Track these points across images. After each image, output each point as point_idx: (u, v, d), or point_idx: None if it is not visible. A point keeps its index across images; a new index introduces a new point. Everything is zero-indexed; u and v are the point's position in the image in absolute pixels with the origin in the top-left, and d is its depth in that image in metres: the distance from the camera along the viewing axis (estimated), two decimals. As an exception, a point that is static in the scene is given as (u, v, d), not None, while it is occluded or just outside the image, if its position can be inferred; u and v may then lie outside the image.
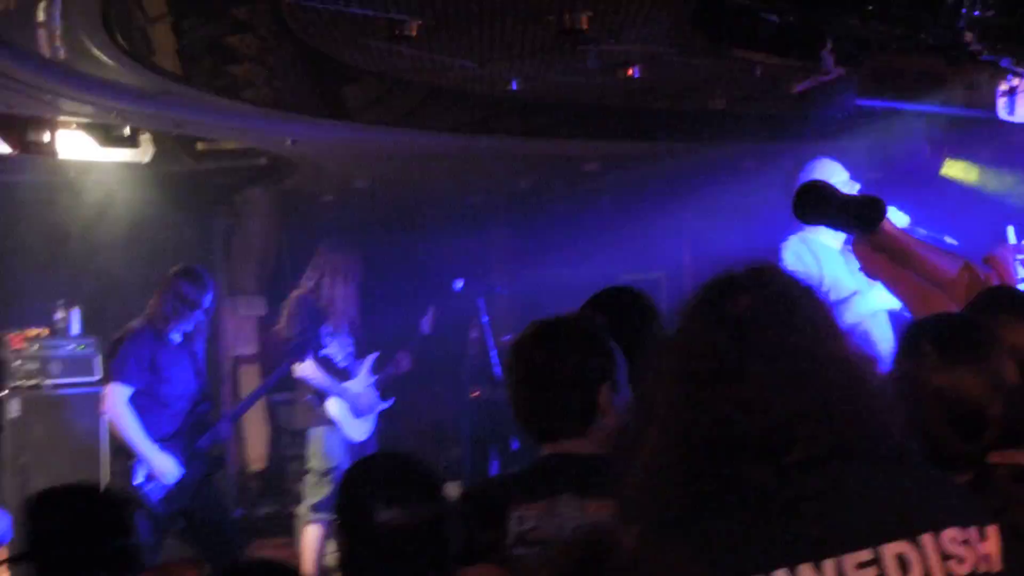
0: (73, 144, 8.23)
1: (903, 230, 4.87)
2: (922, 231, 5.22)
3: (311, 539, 8.36)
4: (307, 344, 8.50)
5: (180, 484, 7.19)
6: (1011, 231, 4.76)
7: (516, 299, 12.44)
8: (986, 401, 2.70)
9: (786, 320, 2.08)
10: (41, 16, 5.73)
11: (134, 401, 7.14)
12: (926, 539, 2.01)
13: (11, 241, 9.54)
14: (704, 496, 2.02)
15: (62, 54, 6.24)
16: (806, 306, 2.13)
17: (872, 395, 2.11)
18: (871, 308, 5.75)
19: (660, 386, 2.14)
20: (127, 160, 8.62)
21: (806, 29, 5.68)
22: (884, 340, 5.69)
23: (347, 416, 8.66)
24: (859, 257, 5.04)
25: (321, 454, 8.65)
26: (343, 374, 8.78)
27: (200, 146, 9.38)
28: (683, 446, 2.06)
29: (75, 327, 9.29)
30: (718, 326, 2.09)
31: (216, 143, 9.44)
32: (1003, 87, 5.23)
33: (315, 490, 8.44)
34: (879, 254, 4.93)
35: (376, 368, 8.99)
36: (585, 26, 5.94)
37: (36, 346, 8.97)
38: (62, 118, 8.05)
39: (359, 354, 8.95)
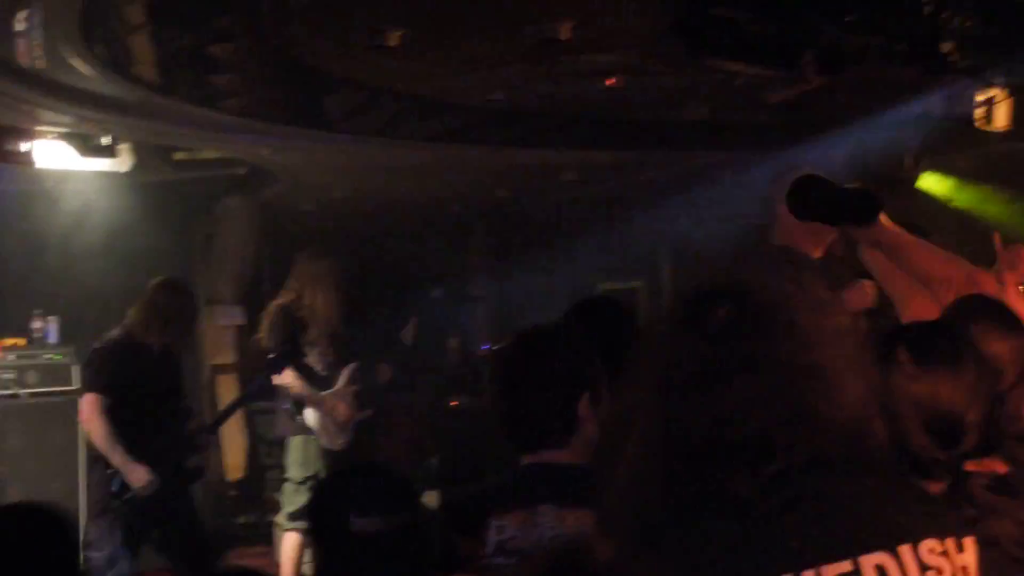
0: (51, 154, 8.21)
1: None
2: None
3: (289, 548, 8.36)
4: (287, 357, 8.51)
5: (156, 494, 7.16)
6: (997, 238, 4.77)
7: (495, 308, 12.47)
8: (963, 409, 2.71)
9: (764, 330, 2.09)
10: (20, 26, 5.71)
11: (112, 411, 7.12)
12: (905, 550, 2.01)
13: (-11, 250, 9.52)
14: (683, 507, 2.03)
15: (41, 64, 6.22)
16: (784, 315, 2.13)
17: (851, 404, 2.11)
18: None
19: (639, 397, 2.14)
20: (105, 170, 8.60)
21: (786, 39, 5.69)
22: None
23: (325, 425, 8.66)
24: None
25: (299, 463, 8.66)
26: (323, 383, 8.78)
27: (179, 156, 9.36)
28: (662, 457, 2.06)
29: (53, 336, 9.27)
30: (696, 336, 2.10)
31: (195, 153, 9.43)
32: (980, 96, 5.25)
33: (293, 499, 8.44)
34: (872, 250, 4.95)
35: (355, 378, 8.98)
36: (565, 36, 5.94)
37: (13, 355, 8.94)
38: (40, 128, 8.02)
39: (339, 364, 8.94)
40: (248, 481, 11.14)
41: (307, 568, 8.03)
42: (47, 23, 5.65)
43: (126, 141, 8.48)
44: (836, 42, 5.60)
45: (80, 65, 6.14)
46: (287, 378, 8.52)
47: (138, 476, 7.09)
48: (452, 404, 11.35)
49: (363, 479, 3.38)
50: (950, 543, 2.06)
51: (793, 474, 2.02)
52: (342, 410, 8.74)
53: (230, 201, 11.00)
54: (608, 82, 6.98)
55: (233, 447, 11.10)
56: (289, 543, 8.39)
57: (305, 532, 8.29)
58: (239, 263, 11.27)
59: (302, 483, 8.51)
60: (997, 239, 4.29)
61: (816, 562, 1.97)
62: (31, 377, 8.89)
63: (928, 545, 2.03)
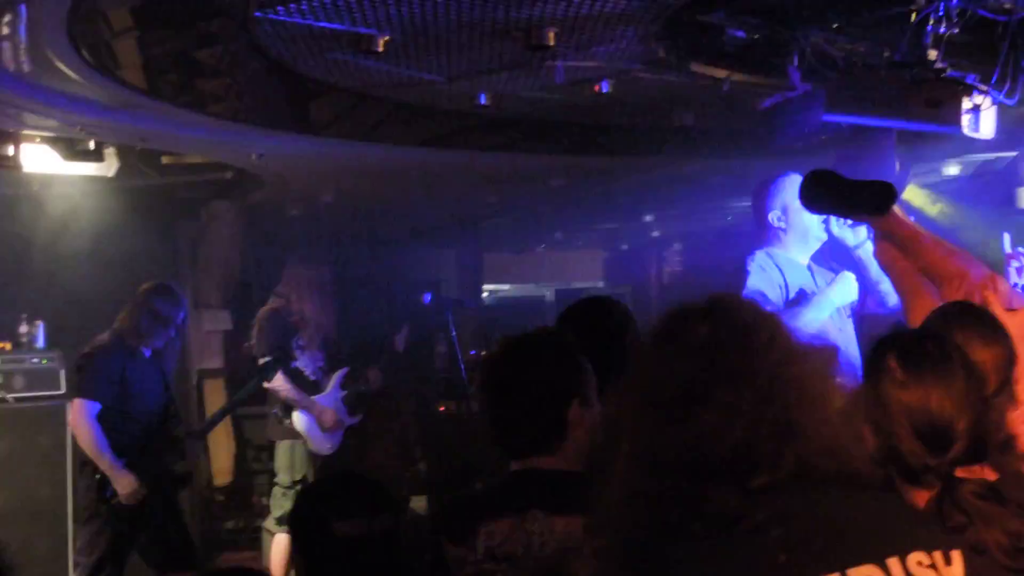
0: (37, 157, 8.19)
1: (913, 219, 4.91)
2: None
3: (279, 552, 8.36)
4: (278, 362, 8.52)
5: (144, 500, 7.14)
6: (1007, 238, 4.79)
7: (483, 313, 12.47)
8: (953, 416, 2.71)
9: (746, 345, 2.10)
10: (5, 30, 5.70)
11: (102, 416, 7.11)
12: (892, 563, 2.02)
13: (-25, 255, 9.50)
14: (670, 522, 2.03)
15: (27, 67, 6.21)
16: (765, 330, 2.14)
17: (834, 416, 2.12)
18: (832, 304, 5.73)
19: (625, 415, 2.16)
20: (92, 174, 8.58)
21: (773, 46, 5.71)
22: (848, 342, 5.71)
23: (313, 430, 8.67)
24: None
25: (287, 467, 8.67)
26: (313, 387, 8.80)
27: (165, 160, 9.34)
28: (649, 473, 2.07)
29: (40, 341, 9.25)
30: (680, 354, 2.11)
31: (181, 157, 9.41)
32: (967, 104, 5.26)
33: (282, 503, 8.44)
34: (885, 242, 4.97)
35: (345, 384, 9.00)
36: (552, 42, 5.95)
37: (0, 360, 8.92)
38: (26, 131, 8.01)
39: (329, 368, 8.97)
40: (236, 486, 11.13)
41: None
42: (33, 27, 5.64)
43: (112, 145, 8.47)
44: (822, 49, 5.62)
45: (66, 68, 6.13)
46: (276, 382, 8.53)
47: (126, 481, 7.08)
48: (440, 409, 11.35)
49: (344, 486, 3.40)
50: (938, 556, 2.07)
51: (779, 488, 2.03)
52: (330, 415, 8.76)
53: (216, 205, 10.99)
54: (595, 88, 6.98)
55: (221, 452, 11.09)
56: (278, 547, 8.39)
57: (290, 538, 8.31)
58: (226, 267, 11.26)
59: (290, 487, 8.52)
60: (1007, 240, 4.31)
61: (805, 575, 1.98)
62: (18, 381, 8.86)
63: (916, 558, 2.05)
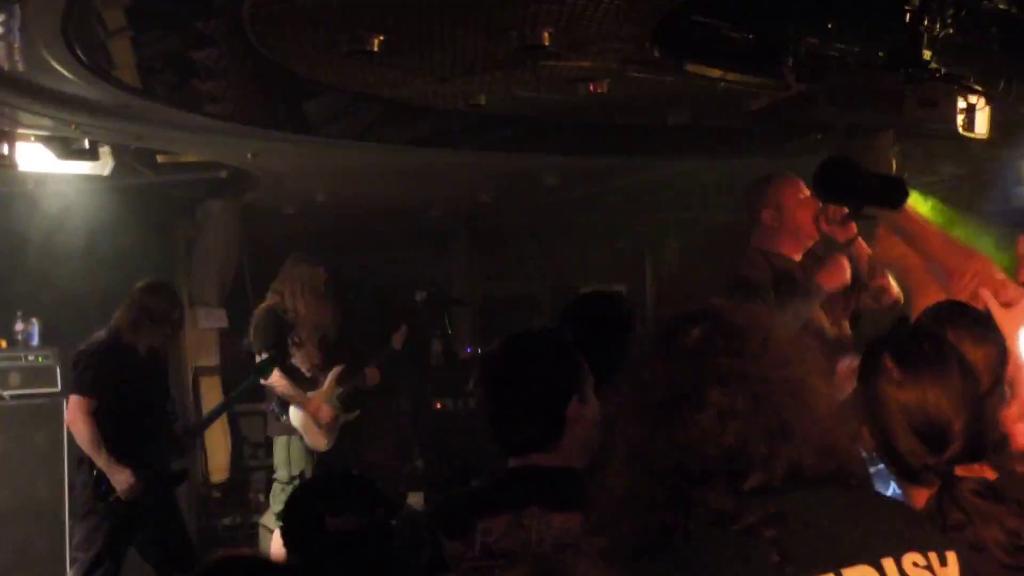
0: (32, 156, 8.18)
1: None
2: None
3: (278, 547, 8.36)
4: (274, 359, 8.54)
5: (141, 497, 7.15)
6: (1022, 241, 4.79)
7: (478, 312, 12.46)
8: (951, 415, 2.73)
9: (739, 348, 2.12)
10: (0, 29, 5.70)
11: (98, 413, 7.12)
12: (888, 563, 2.03)
13: (-29, 253, 9.50)
14: (665, 524, 2.04)
15: (21, 67, 6.21)
16: (759, 334, 2.16)
17: (827, 418, 2.13)
18: (822, 289, 5.74)
19: (620, 417, 2.17)
20: (87, 173, 8.58)
21: (767, 46, 5.71)
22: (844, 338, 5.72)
23: (309, 426, 8.69)
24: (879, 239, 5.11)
25: (285, 462, 8.70)
26: (309, 384, 8.82)
27: (160, 159, 9.34)
28: (644, 474, 2.08)
29: (35, 339, 9.26)
30: (673, 357, 2.13)
31: (176, 156, 9.41)
32: (962, 104, 5.28)
33: (281, 498, 8.47)
34: (894, 236, 4.98)
35: (343, 381, 9.02)
36: (546, 42, 5.95)
37: (-5, 357, 8.94)
38: (21, 131, 8.00)
39: (326, 366, 8.99)
40: (232, 483, 11.13)
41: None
42: (28, 27, 5.64)
43: (107, 144, 8.47)
44: (817, 49, 5.63)
45: (61, 68, 6.13)
46: (272, 379, 8.56)
47: (123, 478, 7.09)
48: (437, 407, 11.36)
49: (335, 483, 3.42)
50: (933, 557, 2.08)
51: (773, 489, 2.04)
52: (326, 411, 8.78)
53: (212, 204, 10.99)
54: (590, 87, 6.98)
55: (217, 449, 11.10)
56: (277, 543, 8.39)
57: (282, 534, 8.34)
58: (221, 266, 11.26)
59: (289, 483, 8.55)
60: (1021, 242, 4.32)
61: (798, 575, 1.99)
62: (14, 379, 8.88)
63: (911, 558, 2.05)
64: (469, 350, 11.13)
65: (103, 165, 8.53)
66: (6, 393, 8.76)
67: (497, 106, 7.66)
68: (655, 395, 2.11)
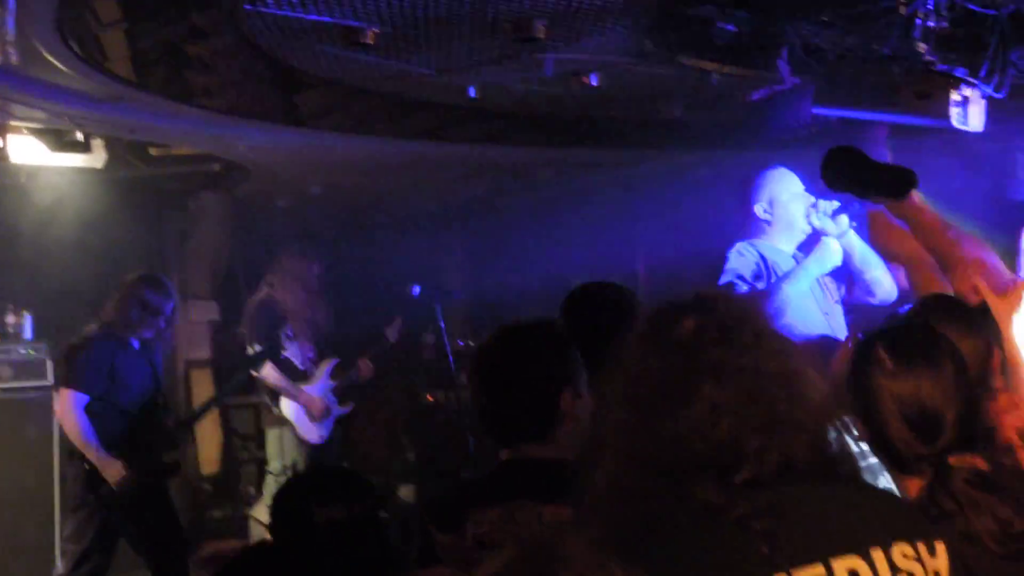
0: (25, 149, 8.16)
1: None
2: None
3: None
4: (267, 352, 8.54)
5: (132, 490, 7.14)
6: None
7: (472, 304, 12.46)
8: (944, 405, 2.74)
9: (731, 340, 2.11)
10: (-7, 21, 5.69)
11: (90, 407, 7.10)
12: (876, 554, 2.03)
13: (-37, 246, 9.49)
14: (655, 516, 2.04)
15: (14, 59, 6.20)
16: (750, 326, 2.15)
17: (818, 411, 2.13)
18: (810, 272, 5.75)
19: (610, 410, 2.16)
20: (79, 165, 8.56)
21: (762, 39, 5.71)
22: (837, 329, 5.73)
23: (301, 418, 8.70)
24: (873, 230, 5.10)
25: (278, 454, 8.71)
26: (303, 377, 8.83)
27: (154, 151, 9.33)
28: (634, 468, 2.08)
29: (27, 331, 9.24)
30: (665, 349, 2.12)
31: (170, 148, 9.40)
32: (956, 97, 5.28)
33: (274, 490, 8.46)
34: (897, 227, 4.97)
35: (335, 374, 9.03)
36: (541, 35, 5.95)
37: (-13, 351, 8.93)
38: (13, 123, 7.98)
39: (318, 358, 9.00)
40: (223, 475, 11.13)
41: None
42: (21, 19, 5.63)
43: (100, 137, 8.46)
44: (811, 42, 5.63)
45: (54, 60, 6.12)
46: (264, 371, 8.57)
47: (114, 471, 7.07)
48: (428, 399, 11.36)
49: (323, 475, 3.43)
50: (922, 547, 2.08)
51: (763, 482, 2.04)
52: (318, 404, 8.79)
53: (205, 197, 10.98)
54: (584, 80, 6.98)
55: (208, 441, 11.10)
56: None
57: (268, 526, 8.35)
58: (214, 258, 11.26)
59: (281, 475, 8.56)
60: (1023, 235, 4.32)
61: (788, 567, 1.99)
62: (5, 372, 8.87)
63: (900, 549, 2.06)
64: (461, 343, 11.11)
65: (96, 158, 8.51)
66: (-2, 386, 8.76)
67: (491, 99, 7.66)
68: (646, 387, 2.11)
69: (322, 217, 11.99)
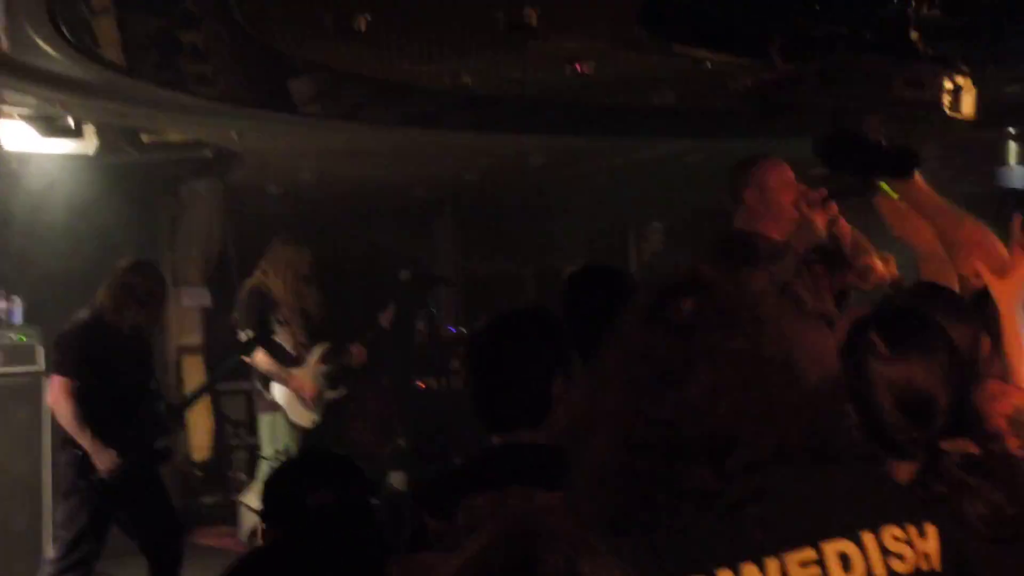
0: (16, 135, 8.15)
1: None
2: None
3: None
4: (259, 338, 8.55)
5: (125, 476, 7.13)
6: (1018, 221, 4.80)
7: (462, 291, 12.47)
8: (936, 390, 2.75)
9: (729, 323, 2.10)
10: (-16, 8, 5.68)
11: (81, 393, 7.09)
12: (867, 537, 2.04)
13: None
14: (647, 498, 2.04)
15: (5, 45, 6.19)
16: (748, 309, 2.15)
17: (813, 395, 2.14)
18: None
19: (604, 390, 2.16)
20: (71, 151, 8.55)
21: (753, 27, 5.71)
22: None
23: (294, 403, 8.72)
24: (883, 209, 5.11)
25: (271, 439, 8.73)
26: (293, 362, 8.85)
27: (145, 138, 9.32)
28: (627, 449, 2.07)
29: (17, 317, 9.23)
30: (662, 330, 2.11)
31: (161, 135, 9.39)
32: (948, 85, 5.28)
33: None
34: (902, 207, 4.98)
35: (326, 359, 9.04)
36: (533, 21, 5.95)
37: (-23, 336, 8.91)
38: (5, 109, 7.97)
39: (310, 344, 9.01)
40: (213, 461, 11.14)
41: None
42: (13, 5, 5.62)
43: (92, 123, 8.44)
44: (804, 29, 5.63)
45: (46, 46, 6.11)
46: (256, 357, 8.59)
47: (106, 457, 7.07)
48: (420, 386, 11.38)
49: (314, 460, 3.44)
50: (912, 530, 2.09)
51: (757, 467, 2.04)
52: (309, 388, 8.80)
53: (196, 183, 10.98)
54: (575, 67, 6.98)
55: (198, 427, 11.10)
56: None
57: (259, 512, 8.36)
58: (205, 245, 11.26)
59: (273, 459, 8.58)
60: (1018, 222, 4.33)
61: (779, 550, 1.99)
62: (-5, 357, 8.87)
63: (890, 531, 2.06)
64: (453, 330, 11.14)
65: (88, 144, 8.50)
66: (-12, 371, 8.75)
67: (483, 86, 7.66)
68: (642, 368, 2.10)
69: (314, 203, 11.99)
